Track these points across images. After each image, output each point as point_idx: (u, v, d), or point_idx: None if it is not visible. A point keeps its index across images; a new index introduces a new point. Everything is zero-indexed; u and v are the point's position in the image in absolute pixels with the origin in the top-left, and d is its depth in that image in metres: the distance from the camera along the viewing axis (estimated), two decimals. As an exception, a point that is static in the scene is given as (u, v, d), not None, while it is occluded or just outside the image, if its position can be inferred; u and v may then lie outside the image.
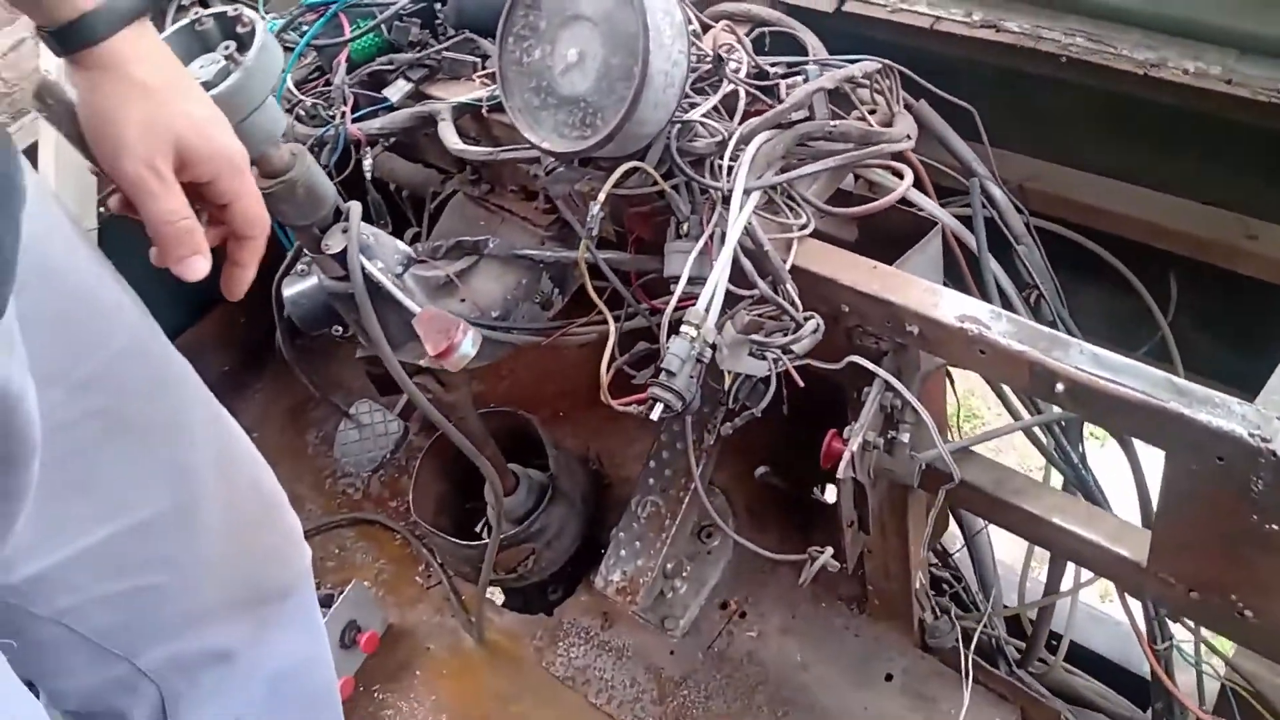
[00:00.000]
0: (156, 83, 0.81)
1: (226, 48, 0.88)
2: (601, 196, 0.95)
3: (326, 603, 1.46)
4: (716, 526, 1.37)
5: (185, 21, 0.94)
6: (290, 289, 1.17)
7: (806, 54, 1.16)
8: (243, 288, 0.89)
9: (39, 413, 0.77)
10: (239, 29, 0.91)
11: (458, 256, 1.18)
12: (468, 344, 0.99)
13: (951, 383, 1.31)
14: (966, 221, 1.14)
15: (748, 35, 1.16)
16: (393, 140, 1.25)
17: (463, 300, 1.15)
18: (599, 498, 1.61)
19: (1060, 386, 0.85)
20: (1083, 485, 1.15)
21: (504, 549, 1.47)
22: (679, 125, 0.98)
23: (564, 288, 1.21)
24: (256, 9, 1.05)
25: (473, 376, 1.41)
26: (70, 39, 0.79)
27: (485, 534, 1.55)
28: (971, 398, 2.58)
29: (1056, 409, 1.08)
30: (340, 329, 1.20)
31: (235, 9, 0.91)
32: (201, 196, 0.84)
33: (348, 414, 1.55)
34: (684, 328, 0.89)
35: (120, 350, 0.89)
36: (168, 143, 0.80)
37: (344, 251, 1.01)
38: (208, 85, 0.89)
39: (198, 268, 0.82)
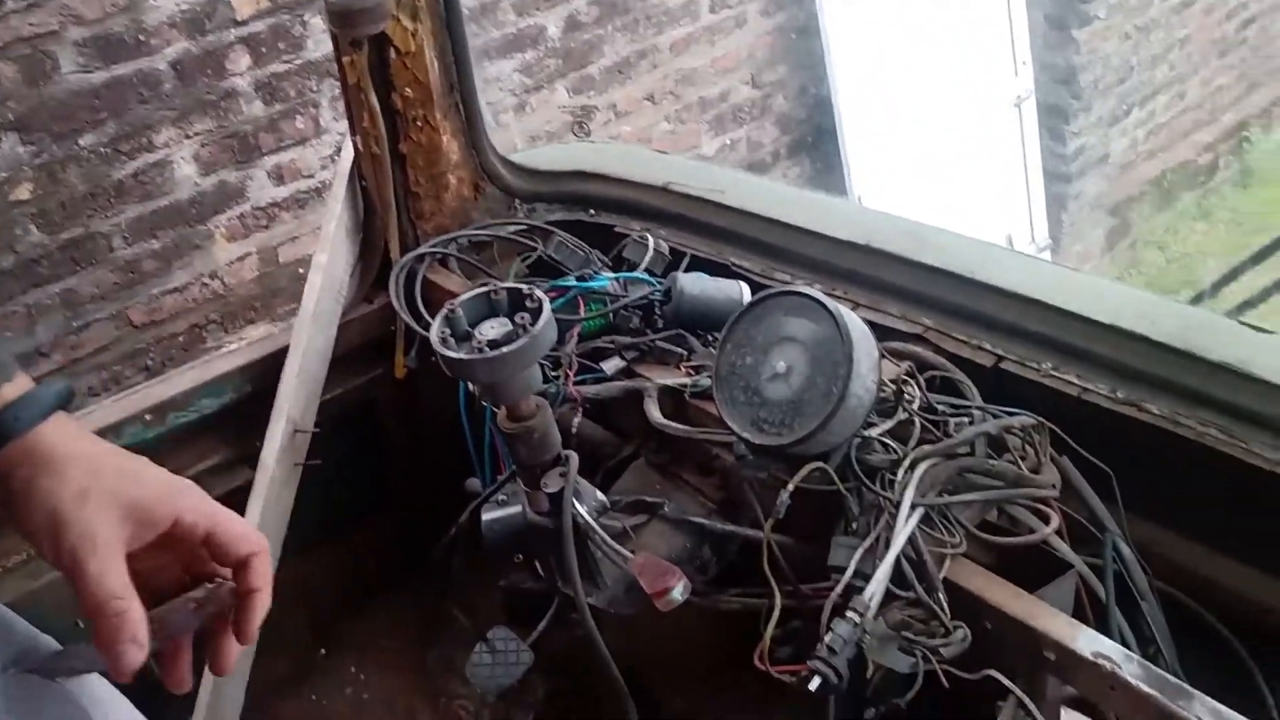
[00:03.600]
0: (86, 452, 0.77)
1: (521, 318, 1.11)
2: (790, 487, 1.12)
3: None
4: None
5: (484, 289, 1.18)
6: (489, 514, 1.33)
7: (963, 397, 1.35)
8: (253, 631, 0.81)
9: None
10: (527, 304, 1.14)
11: (634, 513, 1.35)
12: (679, 591, 1.13)
13: None
14: (1096, 571, 1.26)
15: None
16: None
17: (633, 552, 1.31)
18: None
19: (1182, 734, 0.95)
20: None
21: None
22: (860, 439, 1.16)
23: (720, 557, 1.36)
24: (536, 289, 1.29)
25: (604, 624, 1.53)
26: None
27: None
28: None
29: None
30: (519, 556, 1.36)
31: (529, 289, 1.15)
32: (186, 553, 0.80)
33: (485, 638, 1.67)
34: (849, 613, 1.02)
35: None
36: (108, 507, 0.75)
37: (560, 492, 1.18)
38: (495, 343, 1.11)
39: (131, 657, 0.74)
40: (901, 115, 4.27)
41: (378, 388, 1.90)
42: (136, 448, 1.62)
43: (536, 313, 1.12)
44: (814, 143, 4.39)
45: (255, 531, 0.83)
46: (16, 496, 0.76)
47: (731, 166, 4.11)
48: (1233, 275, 4.17)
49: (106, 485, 0.76)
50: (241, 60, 2.92)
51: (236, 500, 1.67)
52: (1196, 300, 3.95)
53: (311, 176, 3.10)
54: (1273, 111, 6.07)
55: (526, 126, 3.51)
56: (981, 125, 4.55)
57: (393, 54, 1.71)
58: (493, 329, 1.13)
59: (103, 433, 1.62)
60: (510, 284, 1.18)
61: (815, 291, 1.17)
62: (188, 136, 2.88)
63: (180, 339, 2.99)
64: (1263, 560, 1.26)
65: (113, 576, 0.74)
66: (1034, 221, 4.94)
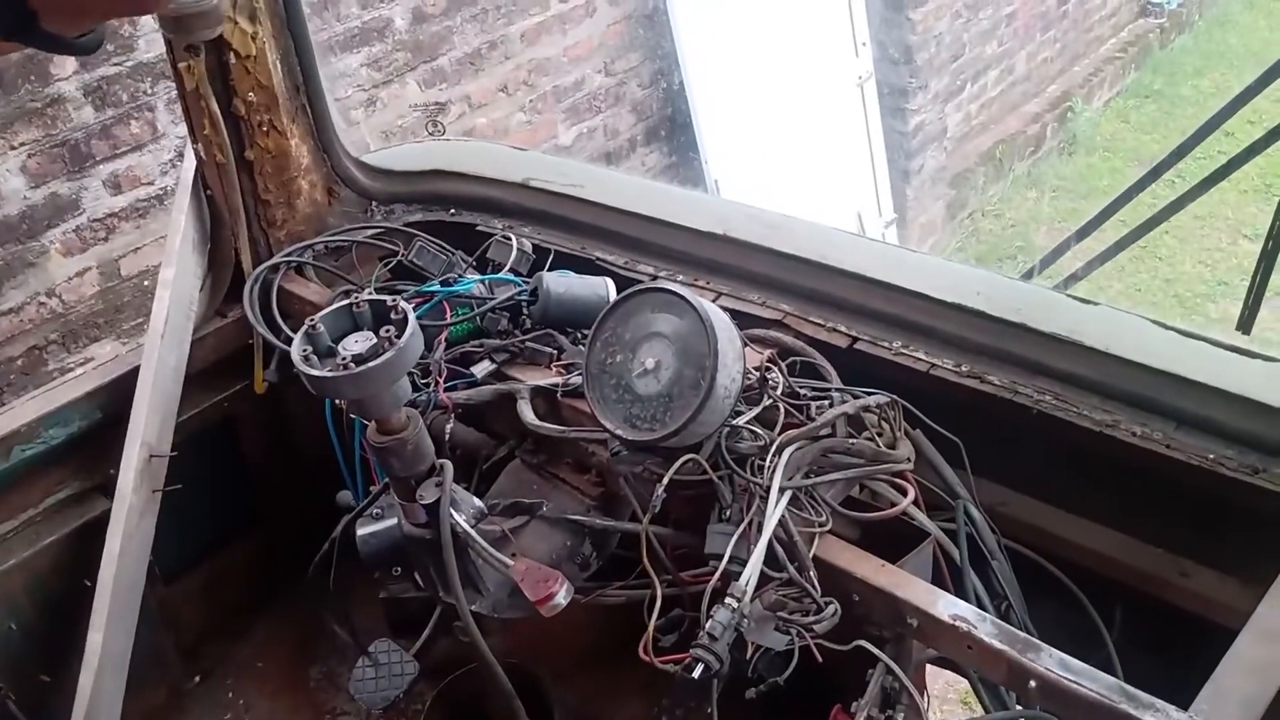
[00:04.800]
0: None
1: (387, 330, 1.10)
2: (665, 481, 1.15)
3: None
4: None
5: (345, 302, 1.16)
6: (364, 529, 1.32)
7: (823, 379, 1.40)
8: None
9: None
10: (392, 315, 1.14)
11: (512, 515, 1.36)
12: (562, 595, 1.14)
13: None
14: (951, 535, 1.34)
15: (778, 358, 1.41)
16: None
17: (514, 555, 1.31)
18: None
19: (1032, 683, 1.03)
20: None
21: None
22: (729, 428, 1.20)
23: (601, 552, 1.38)
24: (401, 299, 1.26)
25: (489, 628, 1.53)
26: None
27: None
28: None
29: (1019, 707, 1.23)
30: (398, 569, 1.35)
31: (393, 300, 1.14)
32: None
33: (367, 652, 1.65)
34: (728, 599, 1.06)
35: None
36: None
37: (436, 502, 1.18)
38: (360, 358, 1.10)
39: None
40: (752, 99, 4.36)
41: (237, 404, 1.84)
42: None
43: (402, 324, 1.11)
44: (670, 129, 4.44)
45: None
46: None
47: (589, 155, 4.12)
48: (1059, 251, 4.47)
49: None
50: (67, 64, 2.76)
51: (94, 533, 1.61)
52: (1028, 276, 4.21)
53: (151, 183, 2.96)
54: (1092, 82, 6.46)
55: (378, 122, 3.43)
56: (827, 106, 4.68)
57: (232, 58, 1.66)
58: (357, 343, 1.12)
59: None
60: (372, 296, 1.16)
61: (678, 287, 1.20)
62: (13, 147, 2.70)
63: (19, 362, 2.81)
64: (1096, 512, 1.37)
65: None
66: (880, 197, 5.13)
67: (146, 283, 2.96)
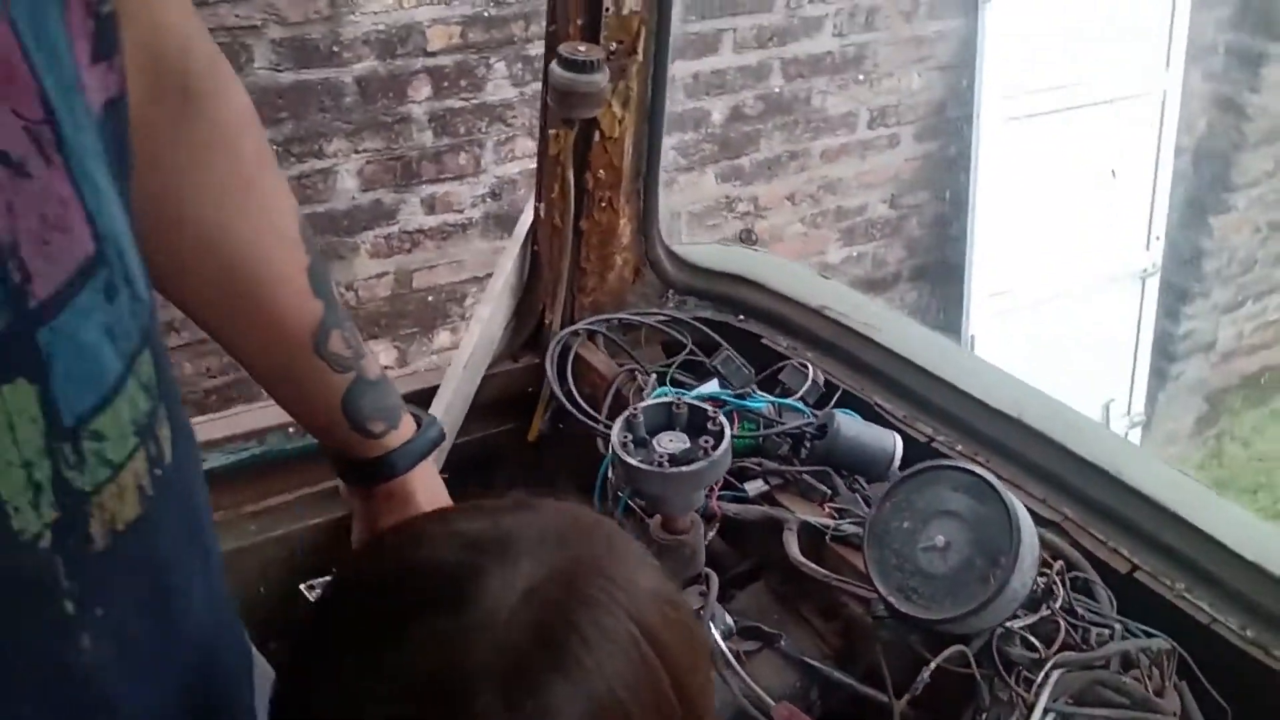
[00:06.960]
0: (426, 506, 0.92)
1: (705, 440, 1.15)
2: (932, 666, 1.13)
3: None
4: None
5: (667, 399, 1.22)
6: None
7: (1095, 599, 1.35)
8: None
9: None
10: (709, 425, 1.19)
11: (747, 638, 1.37)
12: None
13: None
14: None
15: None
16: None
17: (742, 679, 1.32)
18: None
19: None
20: None
21: None
22: (1003, 630, 1.17)
23: (825, 702, 1.37)
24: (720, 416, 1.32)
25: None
26: (369, 477, 0.89)
27: None
28: None
29: None
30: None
31: (713, 410, 1.19)
32: None
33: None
34: (971, 811, 1.03)
35: None
36: None
37: (698, 610, 1.21)
38: (675, 459, 1.15)
39: None
40: (1030, 263, 4.28)
41: (503, 443, 1.95)
42: (276, 456, 1.71)
43: (719, 437, 1.16)
44: (938, 272, 4.41)
45: None
46: (365, 517, 0.93)
47: (853, 279, 4.15)
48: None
49: None
50: (423, 89, 3.05)
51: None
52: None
53: (460, 211, 3.20)
54: (1388, 332, 5.95)
55: (670, 203, 3.59)
56: (1105, 291, 4.54)
57: (596, 136, 1.79)
58: (671, 442, 1.17)
59: (248, 436, 1.69)
60: (694, 401, 1.22)
61: (990, 475, 1.19)
62: (356, 151, 2.99)
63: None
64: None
65: None
66: (1134, 394, 4.89)
67: (430, 298, 3.20)
